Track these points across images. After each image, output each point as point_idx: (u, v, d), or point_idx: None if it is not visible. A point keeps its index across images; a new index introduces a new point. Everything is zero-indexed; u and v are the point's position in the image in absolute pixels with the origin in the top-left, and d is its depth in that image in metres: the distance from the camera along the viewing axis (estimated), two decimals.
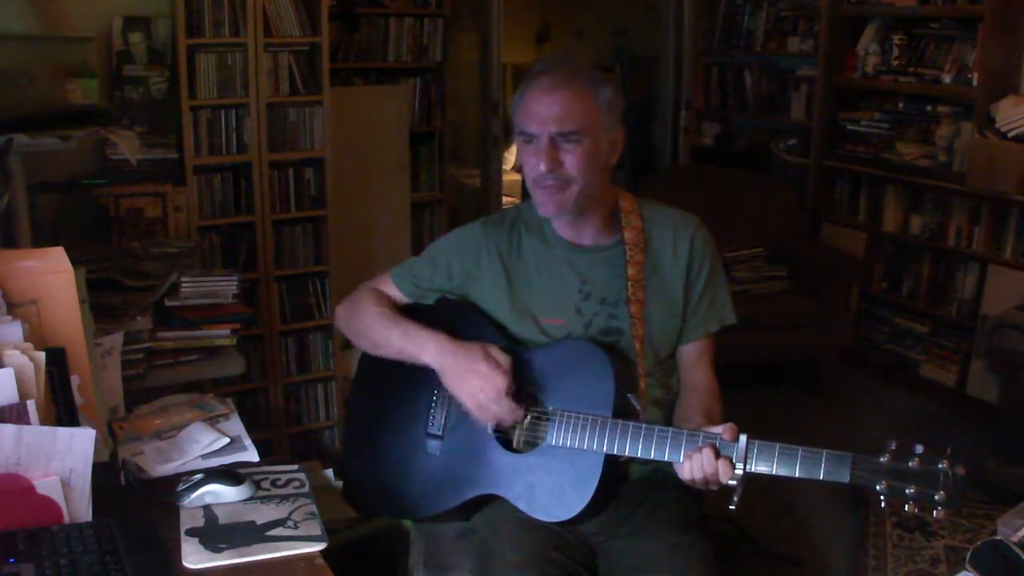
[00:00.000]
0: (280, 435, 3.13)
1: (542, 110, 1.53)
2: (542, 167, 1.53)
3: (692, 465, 1.40)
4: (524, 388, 1.58)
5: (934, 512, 1.29)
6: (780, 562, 2.67)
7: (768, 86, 4.67)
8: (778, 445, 1.36)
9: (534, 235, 1.68)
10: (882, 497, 1.31)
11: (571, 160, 1.53)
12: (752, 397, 3.56)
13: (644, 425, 1.46)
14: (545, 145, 1.53)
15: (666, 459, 1.44)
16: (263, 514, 1.41)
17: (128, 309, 2.17)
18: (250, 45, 2.85)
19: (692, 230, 1.67)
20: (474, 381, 1.53)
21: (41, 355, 1.29)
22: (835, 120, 4.23)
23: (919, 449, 1.31)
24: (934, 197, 3.83)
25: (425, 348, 1.60)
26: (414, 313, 1.72)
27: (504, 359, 1.55)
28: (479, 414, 1.55)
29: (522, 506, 1.52)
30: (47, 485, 1.24)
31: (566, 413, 1.51)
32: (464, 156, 5.19)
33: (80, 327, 1.43)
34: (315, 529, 1.37)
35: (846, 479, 1.32)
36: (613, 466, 1.50)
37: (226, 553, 1.29)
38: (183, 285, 2.32)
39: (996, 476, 2.96)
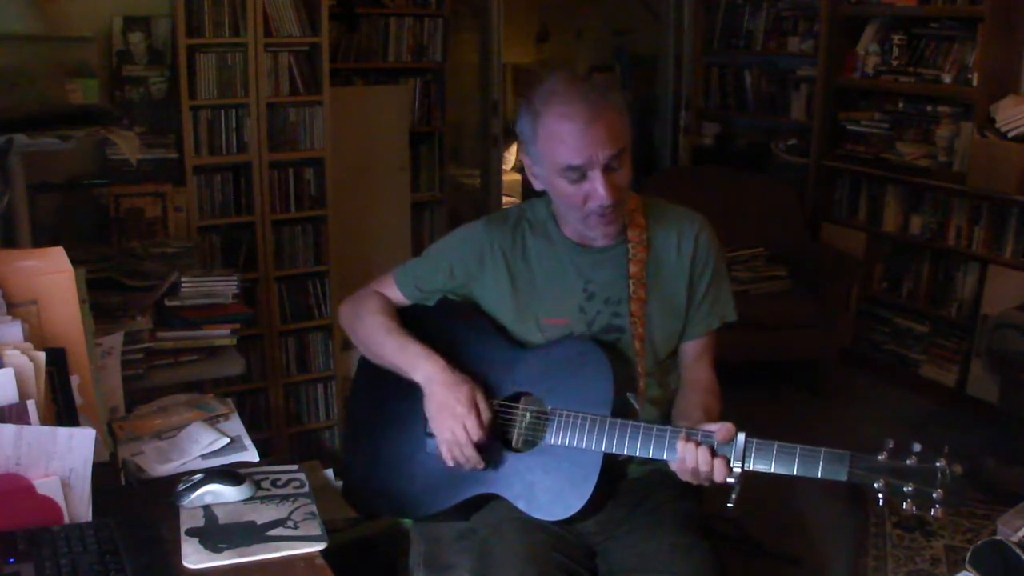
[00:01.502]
0: (280, 435, 3.13)
1: (589, 143, 1.48)
2: (607, 200, 1.50)
3: (687, 459, 1.40)
4: (521, 390, 1.59)
5: (932, 510, 1.29)
6: (780, 562, 2.67)
7: (768, 86, 4.67)
8: (776, 444, 1.37)
9: (539, 235, 1.68)
10: (880, 495, 1.31)
11: (621, 179, 1.52)
12: (752, 397, 3.56)
13: (643, 424, 1.46)
14: (602, 178, 1.49)
15: (664, 458, 1.44)
16: (263, 514, 1.41)
17: (128, 309, 2.18)
18: (250, 45, 2.85)
19: (696, 229, 1.66)
20: (450, 421, 1.54)
21: (41, 355, 1.29)
22: (835, 120, 4.23)
23: (917, 448, 1.31)
24: (934, 197, 3.83)
25: (417, 368, 1.60)
26: (416, 313, 1.73)
27: (486, 411, 1.54)
28: (444, 450, 1.56)
29: (521, 505, 1.53)
30: (47, 485, 1.24)
31: (565, 412, 1.51)
32: (464, 156, 5.19)
33: (80, 327, 1.43)
34: (315, 529, 1.37)
35: (844, 477, 1.32)
36: (612, 465, 1.50)
37: (226, 553, 1.29)
38: (183, 285, 2.32)
39: (996, 476, 2.96)
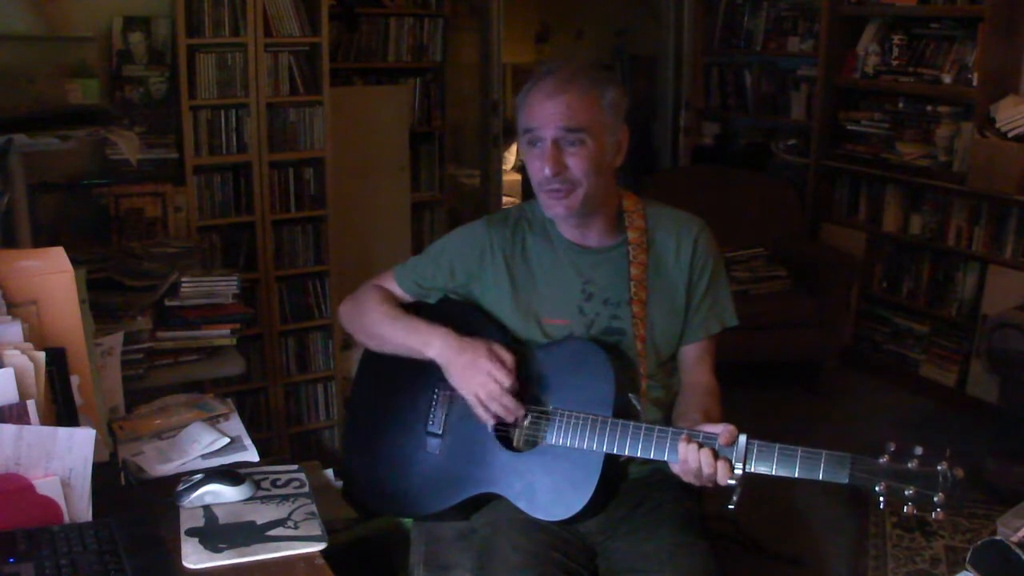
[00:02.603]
0: (280, 435, 3.13)
1: (546, 112, 1.53)
2: (547, 171, 1.53)
3: (689, 460, 1.40)
4: (525, 387, 1.58)
5: (933, 514, 1.29)
6: (779, 561, 2.67)
7: (768, 86, 4.67)
8: (778, 446, 1.36)
9: (538, 235, 1.68)
10: (881, 498, 1.31)
11: (575, 163, 1.53)
12: (752, 397, 3.56)
13: (644, 425, 1.46)
14: (549, 148, 1.53)
15: (665, 459, 1.44)
16: (263, 514, 1.41)
17: (128, 309, 2.17)
18: (250, 45, 2.85)
19: (695, 232, 1.66)
20: (477, 377, 1.54)
21: (41, 355, 1.29)
22: (835, 120, 4.23)
23: (918, 450, 1.31)
24: (934, 197, 3.83)
25: (430, 343, 1.61)
26: (416, 312, 1.73)
27: (508, 357, 1.55)
28: (480, 411, 1.56)
29: (522, 505, 1.53)
30: (47, 485, 1.24)
31: (566, 412, 1.51)
32: (464, 156, 5.19)
33: (80, 327, 1.43)
34: (315, 529, 1.37)
35: (845, 480, 1.32)
36: (613, 466, 1.50)
37: (226, 553, 1.29)
38: (183, 285, 2.32)
39: (996, 476, 2.96)
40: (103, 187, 2.68)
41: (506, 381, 1.53)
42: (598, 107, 1.55)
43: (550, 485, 1.51)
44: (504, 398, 1.53)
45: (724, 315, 1.69)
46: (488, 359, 1.54)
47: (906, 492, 1.29)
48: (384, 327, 1.69)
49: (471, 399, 1.56)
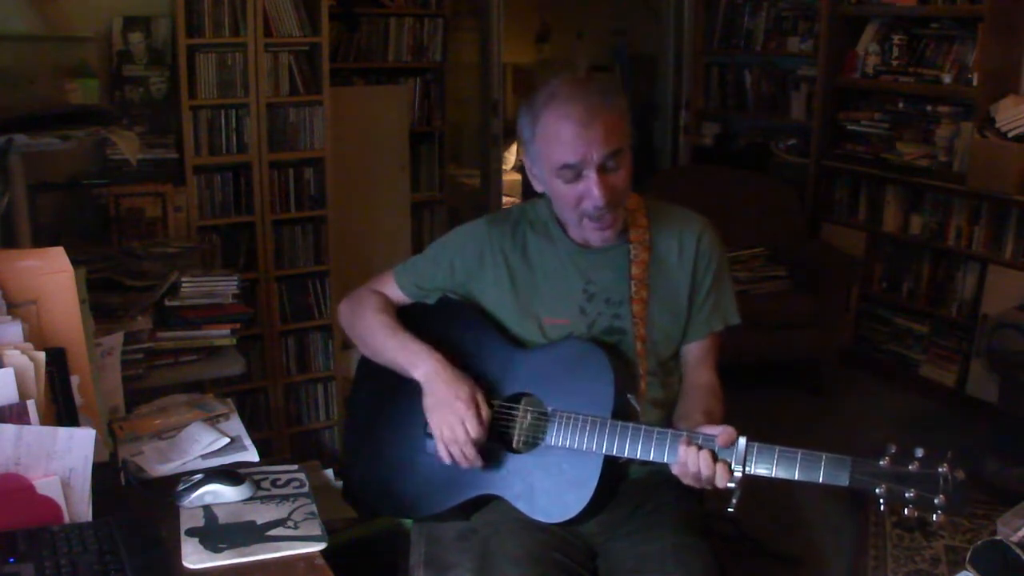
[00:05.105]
0: (280, 435, 3.13)
1: (585, 142, 1.48)
2: (601, 201, 1.50)
3: (688, 463, 1.39)
4: (521, 391, 1.59)
5: (934, 516, 1.28)
6: (780, 562, 2.67)
7: (768, 86, 4.67)
8: (777, 448, 1.36)
9: (540, 235, 1.68)
10: (881, 501, 1.30)
11: (619, 182, 1.53)
12: (752, 397, 3.55)
13: (644, 426, 1.46)
14: (597, 177, 1.49)
15: (665, 461, 1.43)
16: (263, 514, 1.41)
17: (128, 309, 2.18)
18: (250, 45, 2.85)
19: (699, 231, 1.66)
20: (449, 418, 1.53)
21: (41, 355, 1.29)
22: (835, 120, 4.24)
23: (919, 453, 1.30)
24: (934, 197, 3.83)
25: (417, 365, 1.60)
26: (416, 312, 1.73)
27: (486, 411, 1.54)
28: (441, 448, 1.56)
29: (521, 506, 1.52)
30: (47, 485, 1.24)
31: (565, 414, 1.51)
32: (464, 156, 5.19)
33: (80, 327, 1.43)
34: (315, 529, 1.37)
35: (845, 482, 1.31)
36: (612, 467, 1.50)
37: (226, 553, 1.29)
38: (183, 285, 2.32)
39: (996, 476, 2.96)
40: (103, 187, 2.69)
41: (474, 433, 1.52)
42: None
43: (549, 486, 1.51)
44: (467, 447, 1.53)
45: (727, 313, 1.68)
46: (467, 405, 1.53)
47: (906, 495, 1.29)
48: (377, 338, 1.69)
49: (436, 433, 1.56)
